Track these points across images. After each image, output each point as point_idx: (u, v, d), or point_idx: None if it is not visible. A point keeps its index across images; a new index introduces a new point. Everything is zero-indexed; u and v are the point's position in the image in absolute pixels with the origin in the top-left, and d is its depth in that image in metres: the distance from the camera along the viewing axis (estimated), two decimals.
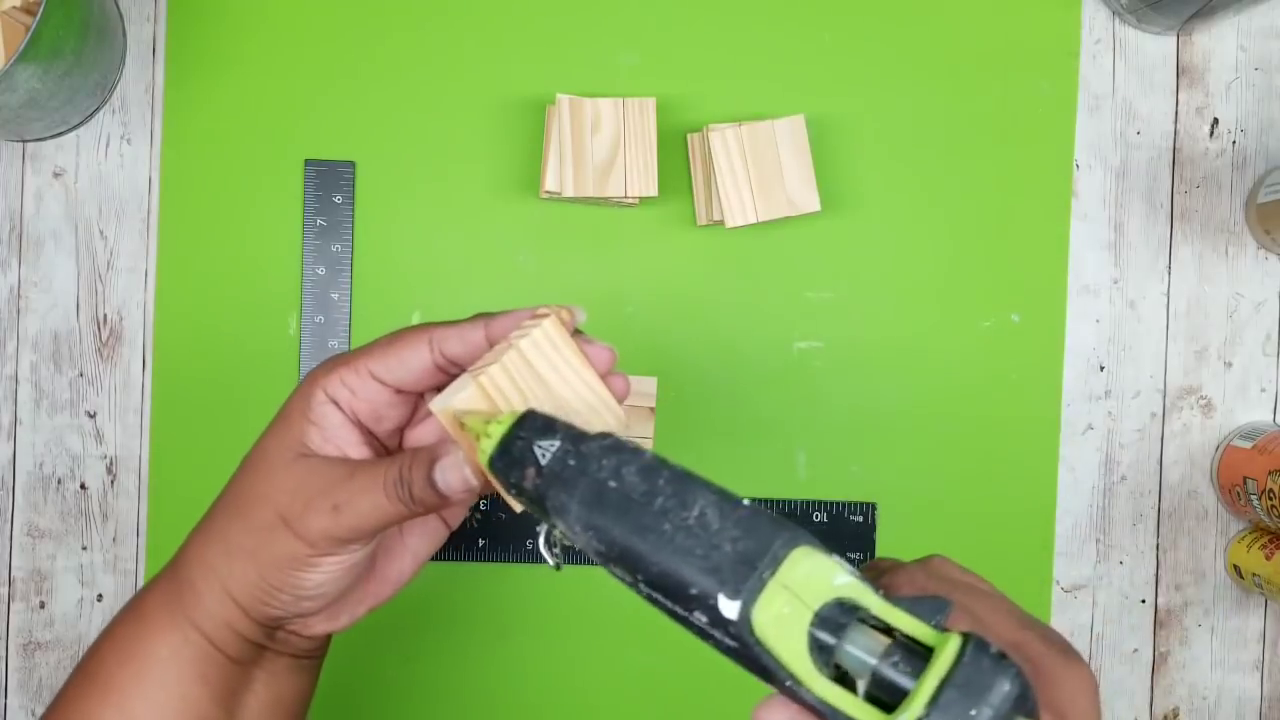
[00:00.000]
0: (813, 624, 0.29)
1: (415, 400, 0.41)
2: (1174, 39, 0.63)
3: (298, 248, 0.60)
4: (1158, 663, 0.63)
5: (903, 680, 0.28)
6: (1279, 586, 0.58)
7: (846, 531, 0.61)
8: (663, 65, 0.61)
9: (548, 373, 0.37)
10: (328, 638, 0.44)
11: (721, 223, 0.57)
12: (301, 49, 0.60)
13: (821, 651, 0.29)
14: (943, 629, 0.29)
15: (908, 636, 0.29)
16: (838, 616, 0.29)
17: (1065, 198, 0.62)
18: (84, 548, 0.60)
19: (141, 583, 0.60)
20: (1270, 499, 0.57)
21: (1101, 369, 0.62)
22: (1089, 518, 0.62)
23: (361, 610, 0.42)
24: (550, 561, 0.36)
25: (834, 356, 0.61)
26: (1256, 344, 0.63)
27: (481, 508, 0.60)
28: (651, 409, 0.59)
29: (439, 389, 0.38)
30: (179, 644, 0.40)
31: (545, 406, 0.36)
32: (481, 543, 0.60)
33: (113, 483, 0.60)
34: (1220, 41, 0.63)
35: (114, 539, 0.60)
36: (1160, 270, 0.63)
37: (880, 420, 0.61)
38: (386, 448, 0.41)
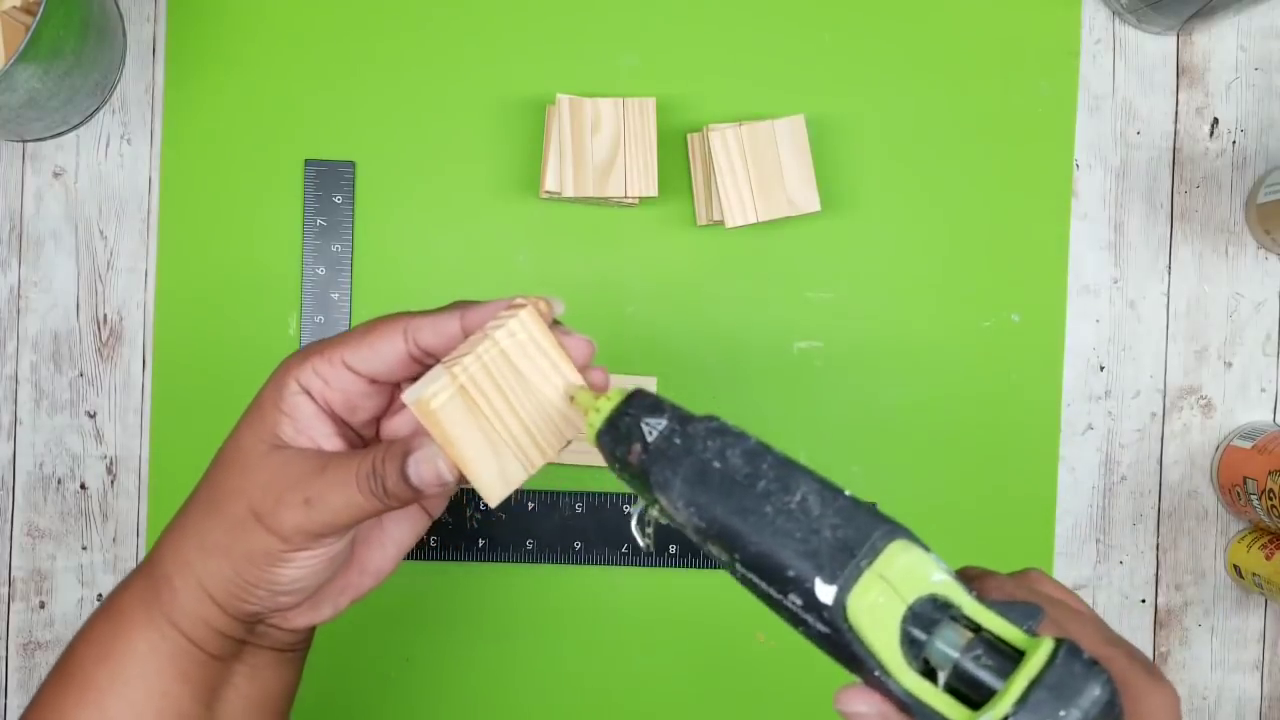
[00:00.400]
0: (905, 617, 0.30)
1: (391, 390, 0.40)
2: (1174, 39, 0.63)
3: (298, 248, 0.60)
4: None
5: (991, 679, 0.28)
6: (1279, 586, 0.58)
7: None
8: (663, 65, 0.61)
9: (524, 365, 0.37)
10: (311, 630, 0.43)
11: (721, 223, 0.57)
12: (301, 49, 0.60)
13: (912, 645, 0.30)
14: (1034, 634, 0.29)
15: (997, 638, 0.29)
16: (930, 612, 0.30)
17: (1065, 198, 0.62)
18: (84, 548, 0.60)
19: None
20: (1270, 499, 0.57)
21: (1101, 369, 0.62)
22: (1089, 518, 0.62)
23: (344, 601, 0.41)
24: (641, 542, 0.36)
25: (834, 356, 0.61)
26: (1256, 344, 0.63)
27: (481, 507, 0.60)
28: None
29: (414, 379, 0.37)
30: (156, 641, 0.39)
31: (521, 397, 0.36)
32: (481, 543, 0.60)
33: (113, 483, 0.60)
34: (1220, 41, 0.63)
35: (114, 539, 0.60)
36: (1160, 270, 0.63)
37: (880, 420, 0.61)
38: (362, 438, 0.41)
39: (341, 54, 0.60)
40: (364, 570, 0.42)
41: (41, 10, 0.48)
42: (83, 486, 0.60)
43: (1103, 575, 0.62)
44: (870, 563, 0.30)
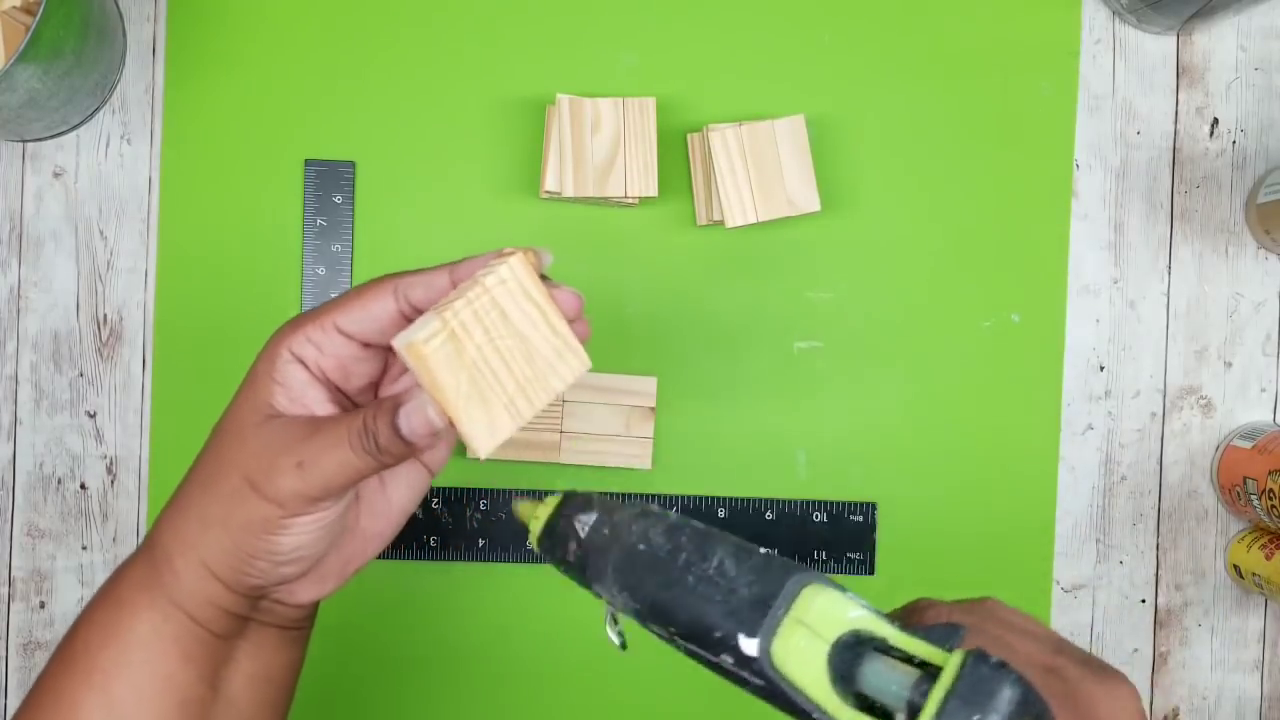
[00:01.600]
0: (830, 656, 0.31)
1: (385, 355, 0.40)
2: (1174, 39, 0.63)
3: (298, 248, 0.60)
4: (1158, 663, 0.63)
5: (919, 699, 0.29)
6: (1279, 586, 0.58)
7: (846, 531, 0.61)
8: (662, 65, 0.61)
9: (513, 311, 0.37)
10: (314, 607, 0.42)
11: (721, 223, 0.57)
12: (301, 49, 0.60)
13: (844, 681, 0.31)
14: (952, 650, 0.30)
15: (927, 662, 0.30)
16: (855, 647, 0.31)
17: (1065, 198, 0.62)
18: (84, 548, 0.60)
19: None
20: (1270, 499, 0.57)
21: (1101, 369, 0.62)
22: (1089, 518, 0.62)
23: (349, 571, 0.41)
24: (615, 641, 0.37)
25: (834, 356, 0.61)
26: (1256, 344, 0.63)
27: (482, 507, 0.60)
28: (651, 409, 0.59)
29: None
30: (159, 622, 0.39)
31: (510, 345, 0.37)
32: (481, 543, 0.60)
33: (113, 483, 0.60)
34: (1220, 41, 0.63)
35: (114, 539, 0.60)
36: (1160, 270, 0.63)
37: (880, 420, 0.61)
38: (356, 405, 0.40)
39: (341, 54, 0.60)
40: (367, 537, 0.41)
41: (41, 10, 0.48)
42: (83, 486, 0.60)
43: (1103, 575, 0.62)
44: (787, 611, 0.31)
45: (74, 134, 0.60)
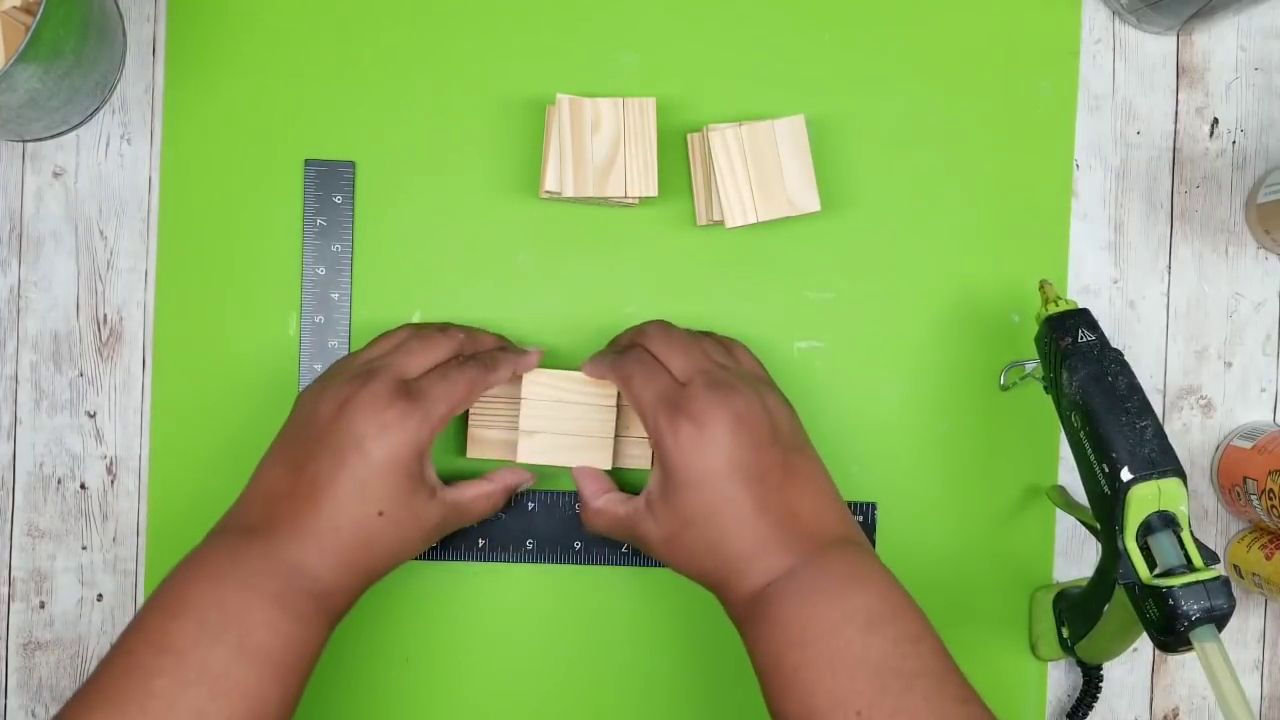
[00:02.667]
0: (1153, 511, 0.48)
1: None
2: (1174, 39, 0.63)
3: (298, 248, 0.60)
4: (1158, 663, 0.63)
5: (1180, 571, 0.47)
6: (1279, 586, 0.58)
7: None
8: (663, 65, 0.61)
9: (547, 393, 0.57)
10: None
11: (721, 223, 0.57)
12: (301, 49, 0.60)
13: (1147, 529, 0.48)
14: (1209, 566, 0.48)
15: (1188, 553, 0.48)
16: (1166, 520, 0.48)
17: (1065, 198, 0.62)
18: (84, 548, 0.60)
19: (142, 582, 0.60)
20: (1270, 499, 0.57)
21: None
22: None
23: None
24: (1004, 381, 0.59)
25: (834, 356, 0.61)
26: (1256, 344, 0.63)
27: None
28: None
29: None
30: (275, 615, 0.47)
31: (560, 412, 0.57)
32: (481, 543, 0.60)
33: (113, 483, 0.60)
34: (1220, 41, 0.63)
35: (114, 539, 0.60)
36: (1160, 270, 0.63)
37: (880, 420, 0.61)
38: None
39: (341, 54, 0.60)
40: None
41: (41, 10, 0.48)
42: (83, 486, 0.60)
43: None
44: (1157, 479, 0.48)
45: (74, 134, 0.60)
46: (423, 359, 0.53)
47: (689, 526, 0.50)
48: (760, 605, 0.48)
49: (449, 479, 0.55)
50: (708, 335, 0.57)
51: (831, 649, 0.46)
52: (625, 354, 0.54)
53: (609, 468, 0.58)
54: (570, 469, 0.57)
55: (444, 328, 0.56)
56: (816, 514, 0.50)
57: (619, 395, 0.58)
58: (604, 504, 0.55)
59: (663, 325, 0.56)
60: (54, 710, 0.60)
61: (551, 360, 0.60)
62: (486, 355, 0.55)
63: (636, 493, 0.54)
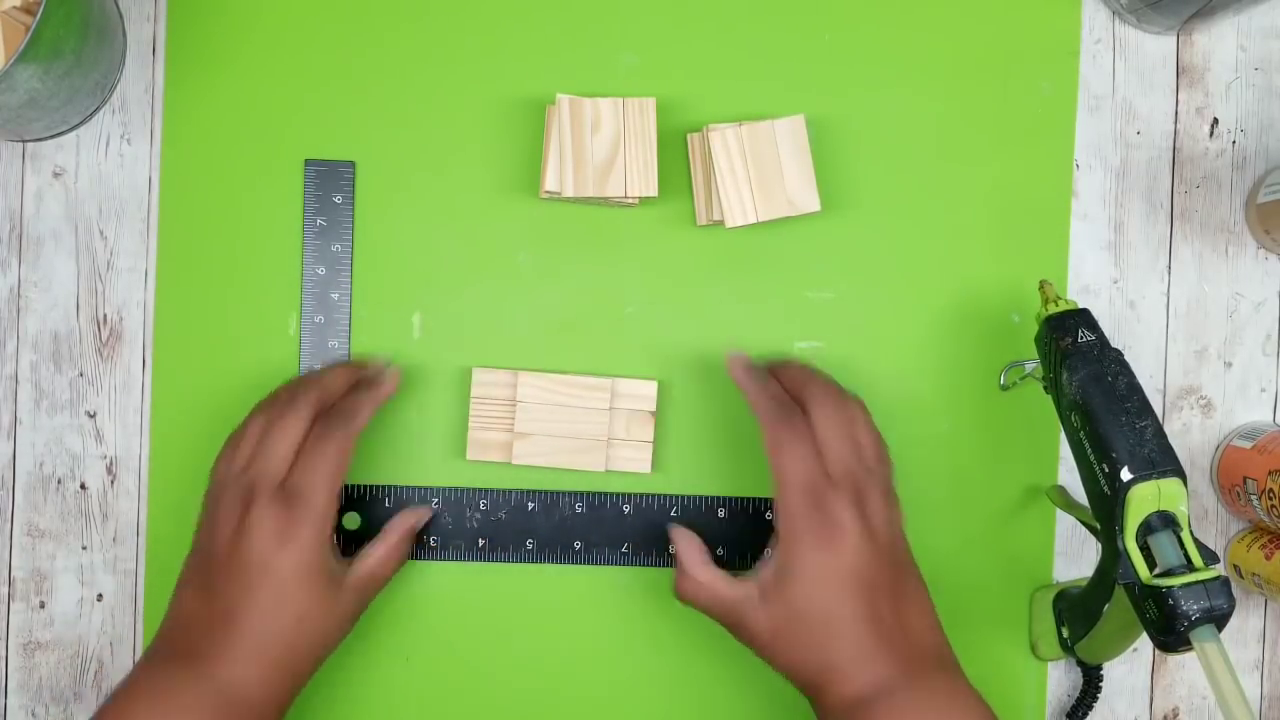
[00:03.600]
0: (1153, 511, 0.48)
1: None
2: (1174, 39, 0.63)
3: (298, 248, 0.60)
4: (1158, 663, 0.63)
5: (1180, 570, 0.47)
6: (1279, 586, 0.58)
7: None
8: (662, 65, 0.61)
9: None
10: None
11: (721, 223, 0.57)
12: (301, 49, 0.60)
13: (1147, 529, 0.48)
14: (1209, 566, 0.48)
15: (1188, 553, 0.48)
16: (1166, 520, 0.48)
17: (1065, 198, 0.62)
18: (84, 547, 0.60)
19: (142, 582, 0.60)
20: (1270, 499, 0.57)
21: None
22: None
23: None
24: (1004, 382, 0.60)
25: (834, 356, 0.61)
26: (1256, 344, 0.63)
27: (481, 507, 0.60)
28: (651, 413, 0.59)
29: None
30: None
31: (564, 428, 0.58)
32: (481, 543, 0.60)
33: (113, 483, 0.60)
34: (1220, 41, 0.63)
35: (114, 539, 0.60)
36: (1160, 270, 0.63)
37: (880, 420, 0.61)
38: None
39: (341, 54, 0.60)
40: None
41: (41, 10, 0.48)
42: (83, 486, 0.60)
43: None
44: (1157, 479, 0.48)
45: (74, 134, 0.60)
46: (286, 449, 0.53)
47: (799, 623, 0.50)
48: (859, 714, 0.49)
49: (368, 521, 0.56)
50: (871, 423, 0.55)
51: None
52: (786, 410, 0.53)
53: (603, 470, 0.58)
54: (669, 530, 0.57)
55: (291, 395, 0.54)
56: (922, 631, 0.51)
57: (613, 398, 0.58)
58: (709, 579, 0.53)
59: (830, 394, 0.54)
60: (54, 710, 0.60)
61: (550, 361, 0.60)
62: (345, 407, 0.54)
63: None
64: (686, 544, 0.55)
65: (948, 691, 0.50)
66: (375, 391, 0.56)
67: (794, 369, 0.57)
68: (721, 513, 0.60)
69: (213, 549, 0.52)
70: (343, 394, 0.56)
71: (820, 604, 0.50)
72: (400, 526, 0.57)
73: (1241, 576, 0.61)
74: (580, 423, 0.58)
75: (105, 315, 0.60)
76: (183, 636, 0.51)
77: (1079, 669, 0.61)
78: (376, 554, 0.55)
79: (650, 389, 0.59)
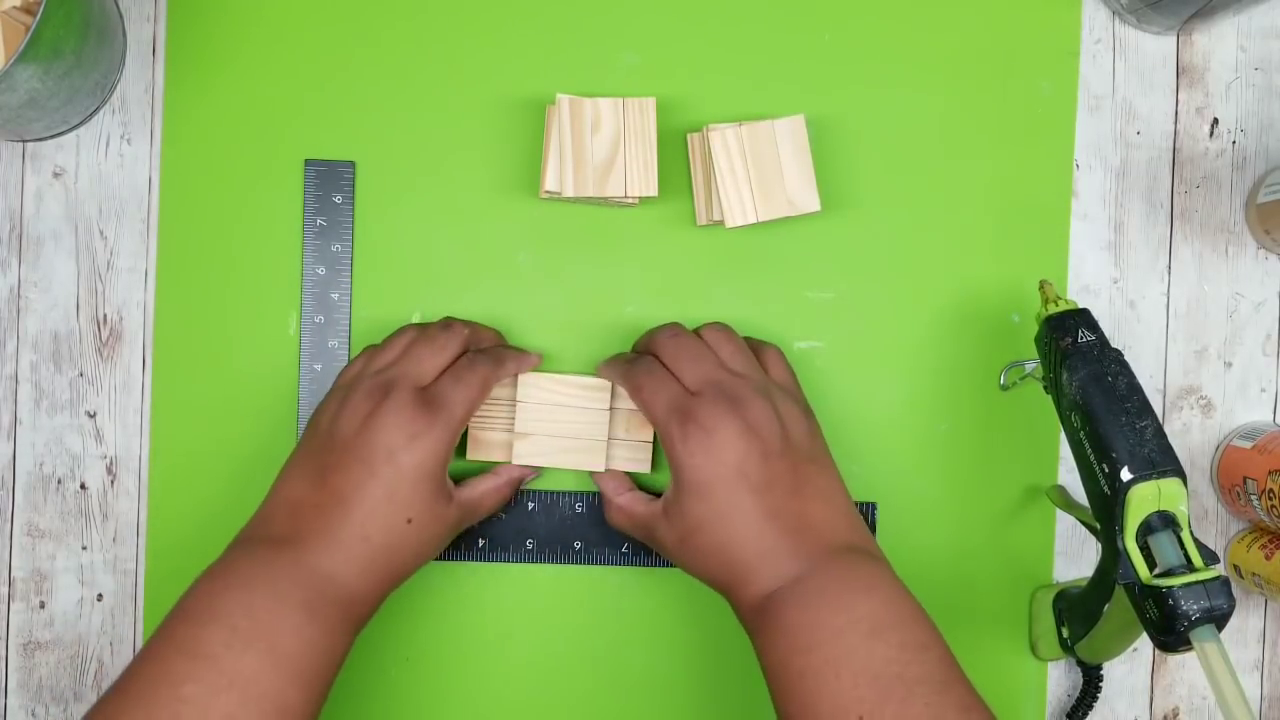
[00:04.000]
0: (1153, 511, 0.48)
1: None
2: (1174, 39, 0.63)
3: (298, 248, 0.60)
4: (1158, 662, 0.63)
5: (1180, 571, 0.47)
6: (1279, 586, 0.58)
7: None
8: (662, 65, 0.61)
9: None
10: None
11: (721, 223, 0.57)
12: (301, 49, 0.60)
13: (1147, 529, 0.48)
14: (1208, 566, 0.48)
15: (1188, 553, 0.48)
16: (1166, 520, 0.48)
17: (1065, 198, 0.62)
18: (84, 547, 0.60)
19: (142, 582, 0.60)
20: (1270, 499, 0.57)
21: None
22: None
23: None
24: (1004, 381, 0.59)
25: (834, 356, 0.61)
26: (1256, 344, 0.63)
27: None
28: None
29: None
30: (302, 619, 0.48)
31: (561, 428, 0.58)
32: (481, 543, 0.60)
33: (113, 483, 0.60)
34: (1220, 41, 0.63)
35: (114, 539, 0.60)
36: (1160, 270, 0.63)
37: (880, 420, 0.61)
38: None
39: (341, 54, 0.60)
40: None
41: (42, 10, 0.48)
42: (83, 486, 0.60)
43: None
44: (1157, 479, 0.48)
45: (74, 134, 0.60)
46: (433, 363, 0.54)
47: (698, 532, 0.51)
48: (767, 611, 0.49)
49: (455, 477, 0.55)
50: (736, 339, 0.56)
51: (835, 654, 0.46)
52: (636, 362, 0.55)
53: (603, 470, 0.58)
54: (586, 473, 0.59)
55: (447, 325, 0.57)
56: (827, 522, 0.51)
57: (613, 399, 0.58)
58: (626, 502, 0.57)
59: (675, 332, 0.56)
60: (54, 710, 0.60)
61: (551, 361, 0.60)
62: (493, 351, 0.57)
63: (654, 493, 0.56)
64: (606, 477, 0.58)
65: (853, 572, 0.49)
66: (521, 356, 0.58)
67: (641, 339, 0.58)
68: None
69: (334, 435, 0.52)
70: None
71: (710, 509, 0.50)
72: (510, 470, 0.58)
73: (1241, 576, 0.61)
74: (580, 423, 0.58)
75: (105, 315, 0.60)
76: (286, 521, 0.51)
77: (1079, 669, 0.61)
78: (486, 485, 0.57)
79: None
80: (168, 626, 0.47)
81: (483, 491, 0.56)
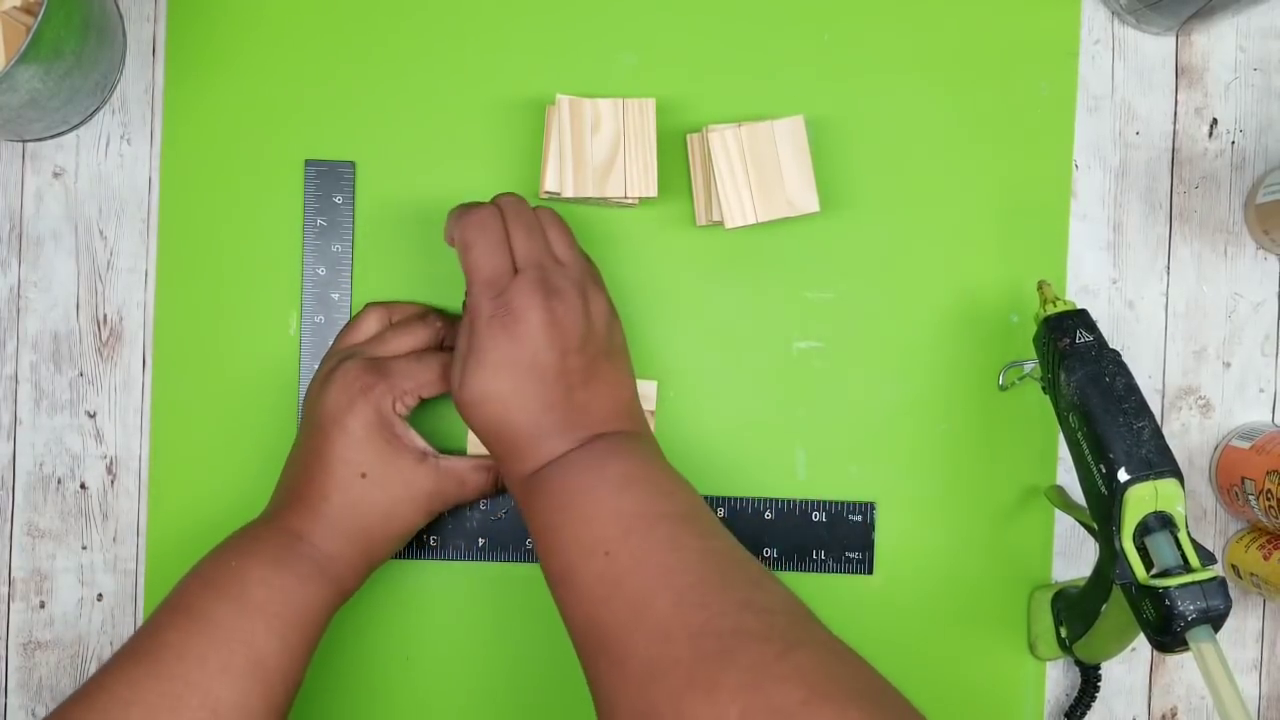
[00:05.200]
0: (1150, 512, 0.48)
1: None
2: (1173, 39, 0.63)
3: (298, 248, 0.60)
4: (1156, 662, 0.63)
5: (1176, 571, 0.47)
6: (1277, 586, 0.58)
7: (845, 531, 0.61)
8: (662, 65, 0.61)
9: None
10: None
11: (721, 223, 0.57)
12: (301, 49, 0.60)
13: (1144, 530, 0.48)
14: (1206, 567, 0.48)
15: (1184, 553, 0.48)
16: (1163, 520, 0.48)
17: (1064, 198, 0.62)
18: (84, 547, 0.60)
19: (142, 582, 0.60)
20: (1268, 499, 0.57)
21: None
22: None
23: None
24: (1002, 381, 0.60)
25: (834, 356, 0.61)
26: (1255, 344, 0.63)
27: (482, 507, 0.60)
28: (651, 411, 0.59)
29: None
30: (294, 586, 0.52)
31: None
32: (481, 542, 0.60)
33: (113, 482, 0.60)
34: (1219, 42, 0.63)
35: (114, 539, 0.60)
36: (1159, 270, 0.63)
37: (880, 420, 0.61)
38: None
39: (341, 54, 0.60)
40: None
41: (42, 11, 0.48)
42: (83, 486, 0.60)
43: None
44: (1154, 479, 0.48)
45: (74, 134, 0.60)
46: (397, 345, 0.56)
47: (481, 404, 0.52)
48: (532, 483, 0.51)
49: None
50: (563, 225, 0.56)
51: (587, 504, 0.49)
52: (474, 214, 0.53)
53: None
54: None
55: (424, 314, 0.58)
56: (604, 410, 0.53)
57: None
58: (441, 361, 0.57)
59: (519, 201, 0.55)
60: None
61: None
62: None
63: None
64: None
65: (613, 445, 0.51)
66: None
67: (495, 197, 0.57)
68: (721, 512, 0.61)
69: (305, 408, 0.56)
70: None
71: (496, 389, 0.51)
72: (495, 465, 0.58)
73: (1240, 577, 0.61)
74: None
75: (105, 315, 0.60)
76: (273, 500, 0.55)
77: (1077, 668, 0.61)
78: (473, 463, 0.57)
79: (650, 389, 0.59)
80: (167, 595, 0.52)
81: (469, 465, 0.57)
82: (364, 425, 0.53)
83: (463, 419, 0.53)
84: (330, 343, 0.60)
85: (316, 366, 0.60)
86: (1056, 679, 0.62)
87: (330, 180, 0.60)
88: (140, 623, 0.60)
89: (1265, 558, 0.59)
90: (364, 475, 0.53)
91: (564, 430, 0.51)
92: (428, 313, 0.58)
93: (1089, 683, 0.61)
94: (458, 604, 0.60)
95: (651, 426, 0.59)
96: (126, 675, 0.48)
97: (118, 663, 0.49)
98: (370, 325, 0.58)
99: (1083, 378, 0.51)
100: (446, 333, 0.57)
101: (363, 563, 0.54)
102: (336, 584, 0.53)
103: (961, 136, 0.61)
